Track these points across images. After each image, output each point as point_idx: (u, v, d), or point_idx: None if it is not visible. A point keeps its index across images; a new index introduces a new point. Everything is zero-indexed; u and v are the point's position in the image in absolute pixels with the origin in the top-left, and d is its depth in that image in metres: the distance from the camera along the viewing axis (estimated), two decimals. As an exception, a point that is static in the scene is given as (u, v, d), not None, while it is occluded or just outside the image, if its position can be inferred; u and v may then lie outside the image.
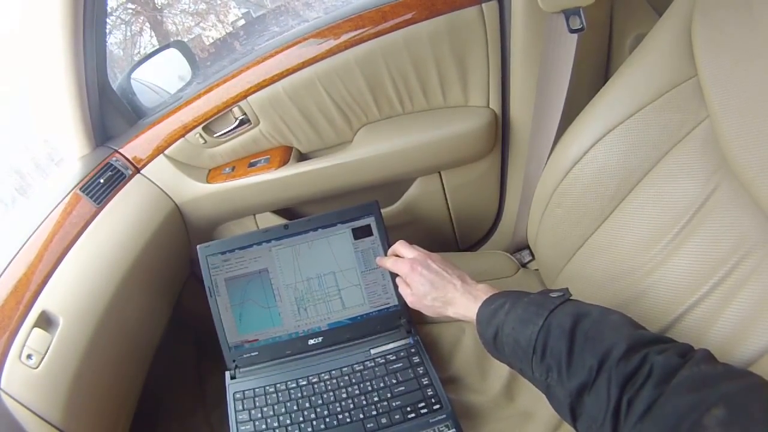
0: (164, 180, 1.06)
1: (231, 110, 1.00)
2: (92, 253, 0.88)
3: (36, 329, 0.75)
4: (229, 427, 0.82)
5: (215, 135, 1.03)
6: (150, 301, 1.00)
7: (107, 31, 1.01)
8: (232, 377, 0.88)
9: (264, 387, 0.85)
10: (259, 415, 0.82)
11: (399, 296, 0.89)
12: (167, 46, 1.21)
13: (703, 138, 0.62)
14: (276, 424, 0.80)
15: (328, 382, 0.84)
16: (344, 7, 0.96)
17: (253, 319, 0.90)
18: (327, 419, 0.79)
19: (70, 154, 1.04)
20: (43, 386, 0.72)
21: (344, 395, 0.82)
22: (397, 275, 0.84)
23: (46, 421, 0.71)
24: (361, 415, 0.79)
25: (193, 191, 1.06)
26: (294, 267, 0.91)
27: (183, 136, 1.03)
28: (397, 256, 0.85)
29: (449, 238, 1.20)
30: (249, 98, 0.98)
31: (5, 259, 0.80)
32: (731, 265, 0.57)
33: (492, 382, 0.84)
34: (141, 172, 1.05)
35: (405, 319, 0.90)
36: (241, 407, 0.83)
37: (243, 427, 0.81)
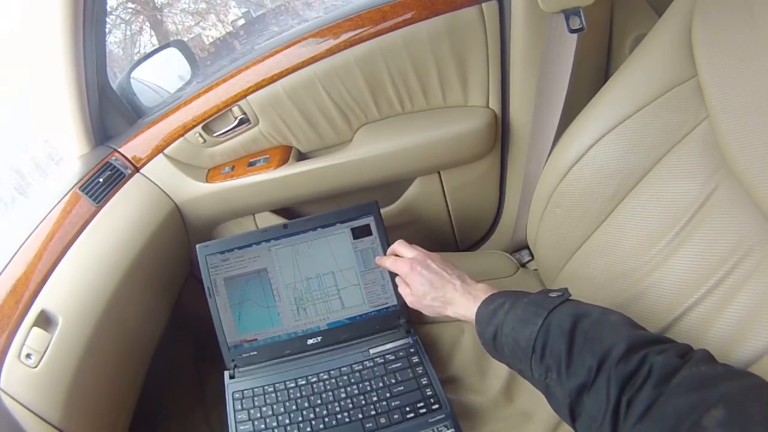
0: (163, 179, 1.06)
1: (230, 110, 1.00)
2: (91, 253, 0.88)
3: (35, 328, 0.75)
4: (228, 427, 0.82)
5: (215, 134, 1.03)
6: (149, 301, 1.00)
7: (107, 30, 1.01)
8: (231, 377, 0.88)
9: (263, 387, 0.85)
10: (258, 415, 0.82)
11: (398, 296, 0.89)
12: (167, 46, 1.21)
13: (703, 138, 0.62)
14: (275, 424, 0.80)
15: (327, 382, 0.84)
16: (344, 6, 0.96)
17: (252, 319, 0.90)
18: (326, 419, 0.79)
19: (69, 153, 1.04)
20: (42, 386, 0.72)
21: (343, 395, 0.82)
22: (396, 275, 0.84)
23: (45, 420, 0.71)
24: (360, 415, 0.78)
25: (193, 191, 1.06)
26: (293, 267, 0.90)
27: (182, 135, 1.03)
28: (397, 255, 0.85)
29: (448, 238, 1.20)
30: (248, 98, 0.98)
31: (4, 259, 0.80)
32: (731, 266, 0.57)
33: (491, 382, 0.84)
34: (140, 171, 1.05)
35: (404, 319, 0.90)
36: (240, 407, 0.83)
37: (242, 427, 0.81)
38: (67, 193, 0.93)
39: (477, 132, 0.97)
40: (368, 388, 0.82)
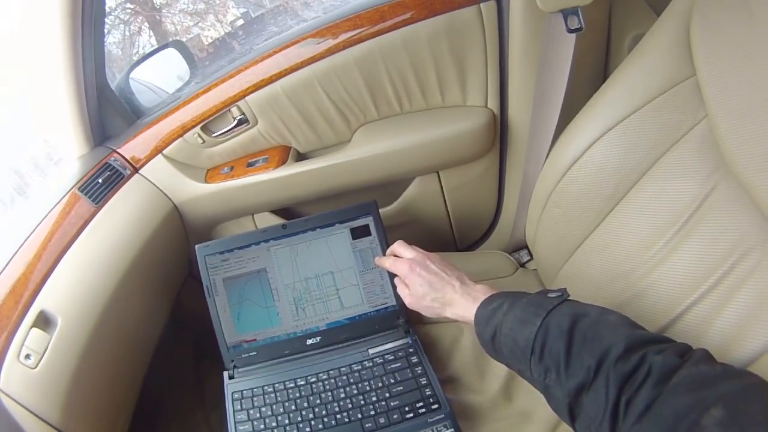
0: (162, 180, 1.06)
1: (229, 110, 1.00)
2: (91, 253, 0.88)
3: (34, 329, 0.75)
4: (228, 428, 0.82)
5: (213, 135, 1.03)
6: (148, 301, 1.00)
7: (106, 30, 1.01)
8: (231, 377, 0.88)
9: (262, 387, 0.85)
10: (258, 415, 0.82)
11: (397, 296, 0.89)
12: (166, 46, 1.21)
13: (702, 138, 0.62)
14: (274, 425, 0.80)
15: (327, 382, 0.84)
16: (342, 6, 0.96)
17: (252, 319, 0.90)
18: (325, 419, 0.79)
19: (68, 154, 1.04)
20: (41, 386, 0.72)
21: (342, 395, 0.82)
22: (395, 275, 0.84)
23: (44, 421, 0.71)
24: (360, 415, 0.78)
25: (192, 191, 1.06)
26: (292, 267, 0.90)
27: (181, 135, 1.03)
28: (396, 256, 0.85)
29: (448, 238, 1.20)
30: (247, 98, 0.98)
31: (4, 259, 0.80)
32: (730, 265, 0.57)
33: (490, 382, 0.84)
34: (139, 172, 1.05)
35: (403, 319, 0.90)
36: (239, 407, 0.83)
37: (241, 427, 0.81)
38: (66, 194, 0.93)
39: (476, 132, 0.97)
40: (367, 388, 0.82)
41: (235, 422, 0.82)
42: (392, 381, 0.82)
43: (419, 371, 0.83)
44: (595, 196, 0.74)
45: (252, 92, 0.98)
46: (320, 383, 0.84)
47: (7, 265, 0.79)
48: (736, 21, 0.57)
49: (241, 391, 0.85)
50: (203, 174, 1.08)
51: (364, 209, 0.91)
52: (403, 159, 1.02)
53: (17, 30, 0.89)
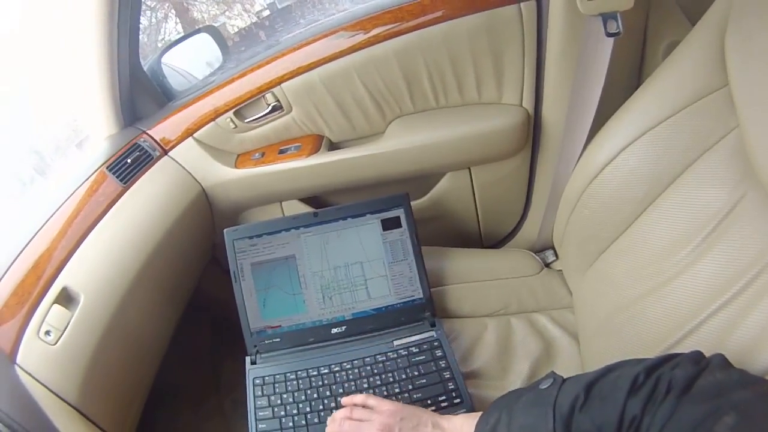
0: (192, 163, 1.06)
1: (264, 96, 1.00)
2: (116, 233, 0.89)
3: (56, 306, 0.75)
4: (243, 414, 0.82)
5: (246, 120, 1.04)
6: (171, 284, 1.00)
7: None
8: (253, 362, 0.88)
9: (284, 374, 0.85)
10: (279, 402, 0.82)
11: (424, 289, 0.89)
12: (198, 31, 1.22)
13: (732, 147, 0.62)
14: (295, 411, 0.80)
15: (350, 372, 0.84)
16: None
17: (278, 305, 0.90)
18: (347, 408, 0.79)
19: (96, 134, 1.05)
20: (60, 363, 0.72)
21: (365, 385, 0.82)
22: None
23: (61, 398, 0.71)
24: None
25: (221, 175, 1.07)
26: (321, 255, 0.90)
27: (214, 119, 1.04)
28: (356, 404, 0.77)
29: (474, 235, 1.20)
30: (283, 85, 0.98)
31: (27, 235, 0.80)
32: (754, 274, 0.56)
33: (512, 378, 0.84)
34: (169, 154, 1.06)
35: (429, 312, 0.90)
36: (260, 393, 0.83)
37: (261, 413, 0.81)
38: (94, 172, 0.93)
39: (509, 130, 0.97)
40: (391, 379, 0.82)
41: (255, 408, 0.82)
42: (416, 374, 0.82)
43: (443, 365, 0.83)
44: (625, 200, 0.74)
45: (288, 79, 0.98)
46: (343, 372, 0.84)
47: (30, 240, 0.79)
48: None
49: (263, 377, 0.85)
50: (233, 159, 1.09)
51: (396, 201, 0.91)
52: (436, 153, 1.02)
53: (17, 30, 0.89)
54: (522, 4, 0.90)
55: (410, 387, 0.81)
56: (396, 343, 0.87)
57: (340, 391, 0.82)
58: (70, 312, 0.76)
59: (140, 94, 1.07)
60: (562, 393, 0.55)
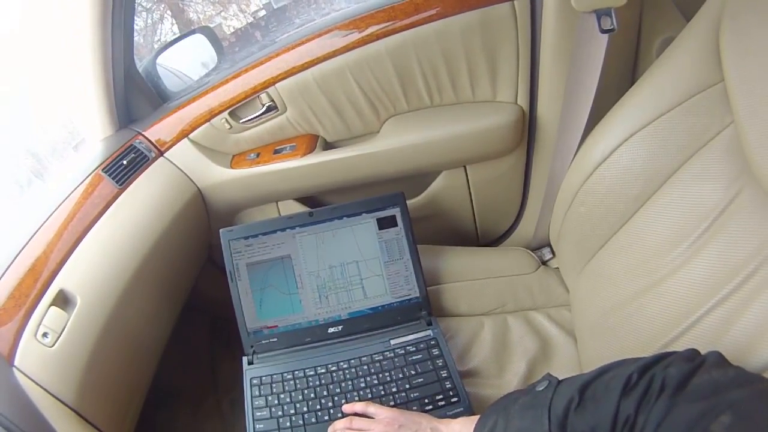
0: (187, 163, 1.06)
1: (258, 96, 1.01)
2: (113, 234, 0.89)
3: (53, 308, 0.75)
4: (241, 414, 0.82)
5: (241, 120, 1.04)
6: (168, 285, 1.00)
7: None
8: (250, 363, 0.88)
9: (281, 374, 0.85)
10: (276, 402, 0.82)
11: (420, 288, 0.89)
12: (193, 32, 1.22)
13: (728, 143, 0.62)
14: (292, 411, 0.81)
15: (347, 371, 0.84)
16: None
17: (274, 305, 0.90)
18: (344, 408, 0.79)
19: (92, 136, 1.05)
20: (57, 365, 0.72)
21: (362, 384, 0.82)
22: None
23: (59, 400, 0.70)
24: (380, 404, 0.78)
25: (217, 176, 1.07)
26: (317, 254, 0.90)
27: (209, 120, 1.04)
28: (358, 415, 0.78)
29: (470, 233, 1.20)
30: (277, 85, 0.98)
31: (24, 237, 0.80)
32: (751, 270, 0.56)
33: (509, 377, 0.85)
34: (164, 155, 1.06)
35: (425, 311, 0.90)
36: (257, 393, 0.83)
37: (259, 413, 0.81)
38: (89, 174, 0.93)
39: (504, 128, 0.97)
40: (388, 378, 0.82)
41: (252, 408, 0.82)
42: (413, 372, 0.82)
43: (440, 364, 0.83)
44: (621, 197, 0.74)
45: (283, 79, 0.98)
46: (340, 372, 0.84)
47: (27, 243, 0.79)
48: (766, 27, 0.57)
49: (260, 377, 0.85)
50: (229, 159, 1.09)
51: (392, 200, 0.91)
52: (431, 152, 1.02)
53: (17, 30, 0.89)
54: (515, 2, 0.90)
55: (407, 386, 0.81)
56: (393, 342, 0.87)
57: (337, 390, 0.82)
58: (67, 314, 0.76)
59: (135, 95, 1.07)
60: (557, 395, 0.55)
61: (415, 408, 0.78)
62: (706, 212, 0.62)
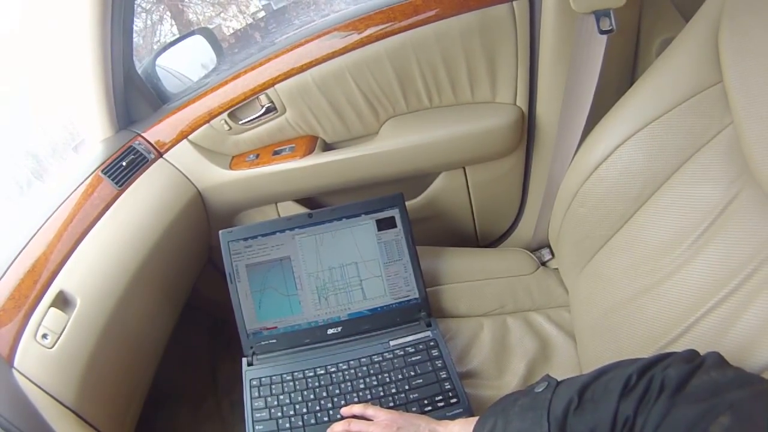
0: (187, 165, 1.06)
1: (257, 98, 1.01)
2: (112, 236, 0.89)
3: (52, 309, 0.75)
4: (241, 415, 0.82)
5: (240, 122, 1.04)
6: (168, 286, 1.00)
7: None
8: (249, 364, 0.88)
9: (281, 375, 0.85)
10: (275, 403, 0.82)
11: (420, 289, 0.90)
12: (192, 33, 1.22)
13: (727, 144, 0.62)
14: (292, 412, 0.80)
15: (346, 372, 0.84)
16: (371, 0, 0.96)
17: (273, 307, 0.90)
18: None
19: (92, 137, 1.05)
20: (57, 367, 0.72)
21: (362, 386, 0.82)
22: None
23: (58, 401, 0.70)
24: (378, 406, 0.78)
25: (216, 177, 1.07)
26: (316, 256, 0.90)
27: (208, 121, 1.04)
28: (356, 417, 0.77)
29: (470, 234, 1.20)
30: (277, 86, 0.98)
31: (24, 239, 0.80)
32: (750, 271, 0.56)
33: (509, 378, 0.84)
34: (164, 156, 1.06)
35: (425, 312, 0.90)
36: (257, 394, 0.83)
37: (258, 415, 0.81)
38: (89, 176, 0.93)
39: (504, 129, 0.97)
40: (387, 379, 0.82)
41: (252, 409, 0.82)
42: (412, 373, 0.82)
43: (439, 365, 0.83)
44: (620, 198, 0.74)
45: (282, 80, 0.98)
46: (340, 373, 0.84)
47: (27, 244, 0.79)
48: (765, 28, 0.57)
49: (260, 378, 0.85)
50: (228, 161, 1.09)
51: (391, 201, 0.91)
52: (430, 153, 1.02)
53: (17, 30, 0.89)
54: (514, 3, 0.90)
55: (407, 387, 0.81)
56: (392, 343, 0.87)
57: (337, 391, 0.82)
58: (67, 315, 0.76)
59: (135, 96, 1.08)
60: (556, 397, 0.55)
61: (414, 409, 0.78)
62: (705, 213, 0.62)
